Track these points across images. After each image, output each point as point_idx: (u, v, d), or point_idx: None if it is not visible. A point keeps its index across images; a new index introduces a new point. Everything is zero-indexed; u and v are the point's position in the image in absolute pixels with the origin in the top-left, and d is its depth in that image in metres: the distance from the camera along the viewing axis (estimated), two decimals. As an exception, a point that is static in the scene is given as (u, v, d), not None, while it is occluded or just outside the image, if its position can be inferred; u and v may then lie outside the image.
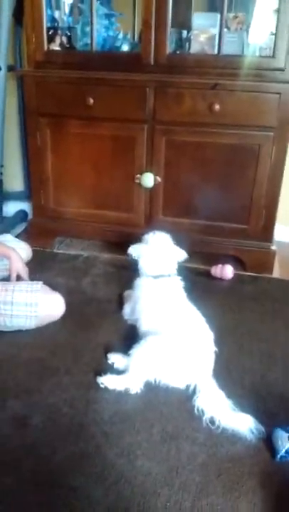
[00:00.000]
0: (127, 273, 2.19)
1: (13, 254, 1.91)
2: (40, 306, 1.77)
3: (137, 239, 1.92)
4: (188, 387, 1.55)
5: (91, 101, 2.24)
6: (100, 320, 1.94)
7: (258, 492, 1.24)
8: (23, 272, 1.94)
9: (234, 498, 1.22)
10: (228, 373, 1.66)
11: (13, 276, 1.90)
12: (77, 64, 2.28)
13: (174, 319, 1.67)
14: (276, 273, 2.40)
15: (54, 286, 1.94)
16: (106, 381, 1.55)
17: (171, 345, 1.56)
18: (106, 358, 1.68)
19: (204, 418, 1.44)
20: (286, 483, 1.27)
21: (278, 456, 1.32)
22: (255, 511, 1.19)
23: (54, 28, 2.37)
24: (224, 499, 1.21)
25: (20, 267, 1.92)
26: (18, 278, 1.92)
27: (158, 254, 1.82)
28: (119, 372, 1.59)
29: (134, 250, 1.87)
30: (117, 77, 2.20)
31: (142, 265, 1.84)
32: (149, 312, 1.73)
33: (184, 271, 1.91)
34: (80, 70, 2.25)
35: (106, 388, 1.54)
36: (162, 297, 1.76)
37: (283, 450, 1.32)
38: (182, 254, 1.86)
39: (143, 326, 1.72)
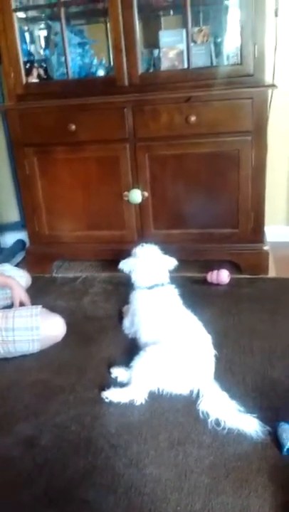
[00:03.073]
0: (125, 289, 2.22)
1: (14, 283, 1.97)
2: (41, 329, 1.81)
3: (127, 254, 1.96)
4: (191, 392, 1.57)
5: (73, 127, 2.32)
6: (102, 336, 1.98)
7: (267, 487, 1.25)
8: (25, 297, 1.99)
9: (244, 496, 1.23)
10: (231, 374, 1.68)
11: (16, 302, 1.95)
12: (56, 93, 2.36)
13: (172, 327, 1.70)
14: (272, 273, 2.42)
15: (55, 309, 1.99)
16: (110, 395, 1.58)
17: (171, 353, 1.59)
18: (109, 373, 1.71)
19: (209, 420, 1.45)
20: (295, 476, 1.28)
21: (285, 450, 1.33)
22: (266, 506, 1.20)
23: (30, 62, 2.46)
24: (234, 497, 1.22)
25: (22, 294, 1.98)
26: (21, 305, 1.97)
27: (148, 266, 1.86)
28: (122, 385, 1.62)
29: (124, 265, 1.91)
30: (95, 102, 2.28)
31: (135, 278, 1.88)
32: (146, 322, 1.77)
33: (180, 280, 1.94)
34: (60, 98, 2.33)
35: (111, 402, 1.57)
36: (158, 307, 1.79)
37: (289, 443, 1.33)
38: (172, 262, 1.89)
39: (142, 337, 1.76)
